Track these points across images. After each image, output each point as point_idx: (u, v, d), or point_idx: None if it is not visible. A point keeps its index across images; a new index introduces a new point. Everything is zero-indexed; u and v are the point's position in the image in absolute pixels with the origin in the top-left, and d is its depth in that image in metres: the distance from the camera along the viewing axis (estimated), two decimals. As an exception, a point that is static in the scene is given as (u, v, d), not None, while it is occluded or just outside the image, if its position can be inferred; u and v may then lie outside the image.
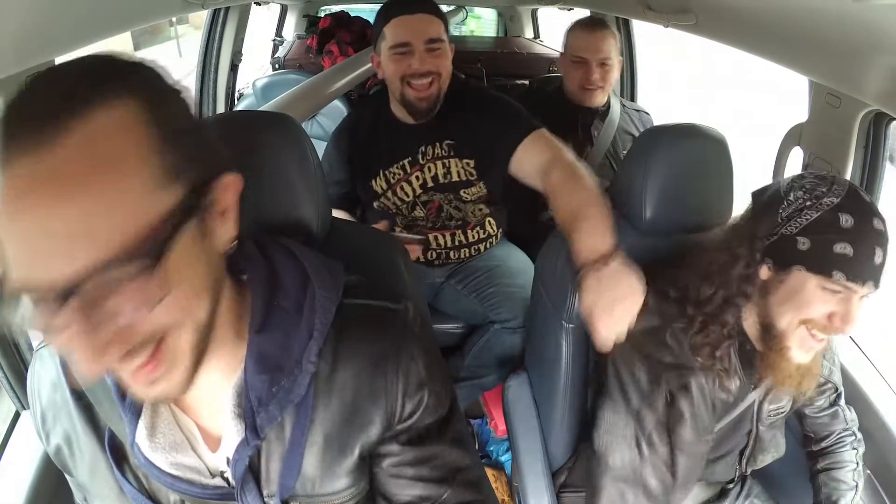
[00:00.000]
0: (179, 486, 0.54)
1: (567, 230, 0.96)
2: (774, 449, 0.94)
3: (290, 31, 2.94)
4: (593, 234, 0.91)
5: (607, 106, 1.70)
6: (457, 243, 1.40)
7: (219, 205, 0.45)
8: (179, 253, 0.40)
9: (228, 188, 0.45)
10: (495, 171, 1.30)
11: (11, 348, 0.96)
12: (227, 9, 2.03)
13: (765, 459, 0.94)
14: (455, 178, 1.33)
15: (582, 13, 2.46)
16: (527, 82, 2.32)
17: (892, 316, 1.96)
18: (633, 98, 2.21)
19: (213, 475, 0.55)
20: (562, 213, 1.01)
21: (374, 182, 1.36)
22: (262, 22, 2.77)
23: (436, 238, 1.39)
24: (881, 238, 0.70)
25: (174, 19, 7.61)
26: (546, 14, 3.21)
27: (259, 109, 1.85)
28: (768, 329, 0.77)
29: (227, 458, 0.53)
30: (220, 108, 2.13)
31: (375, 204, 1.38)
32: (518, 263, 1.43)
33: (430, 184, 1.34)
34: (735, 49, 1.16)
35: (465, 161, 1.33)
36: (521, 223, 1.54)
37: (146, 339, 0.41)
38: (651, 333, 0.82)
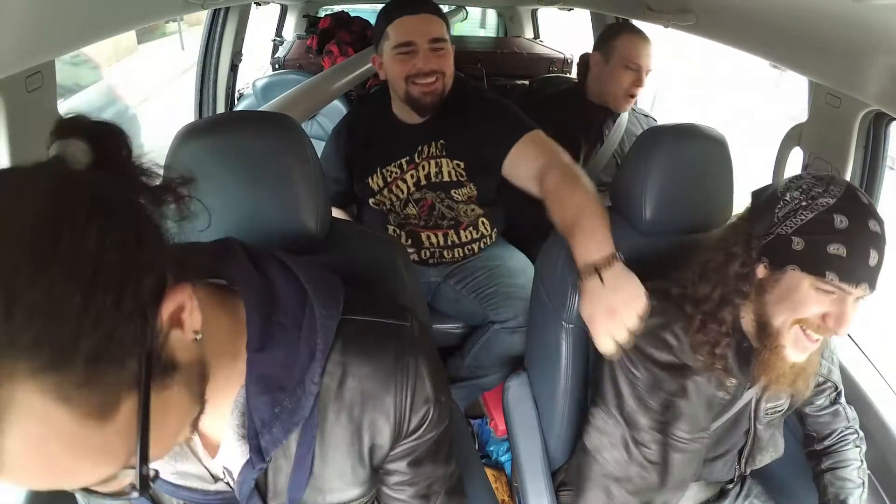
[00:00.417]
0: (182, 493, 0.54)
1: (566, 235, 0.95)
2: (773, 449, 0.95)
3: (290, 32, 2.94)
4: (592, 239, 0.91)
5: None
6: (449, 243, 1.40)
7: (172, 323, 0.40)
8: (155, 416, 0.38)
9: (176, 298, 0.40)
10: (486, 174, 1.30)
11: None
12: (227, 9, 2.03)
13: (763, 459, 0.94)
14: (446, 178, 1.34)
15: (582, 13, 2.47)
16: (527, 82, 2.32)
17: (892, 316, 1.96)
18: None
19: (215, 480, 0.55)
20: (560, 218, 1.00)
21: (370, 179, 1.36)
22: (262, 22, 2.77)
23: (428, 237, 1.39)
24: (876, 240, 0.69)
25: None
26: (546, 14, 3.21)
27: (259, 109, 1.85)
28: (763, 327, 0.77)
29: (224, 468, 0.53)
30: (220, 109, 2.13)
31: (371, 201, 1.39)
32: (518, 263, 1.43)
33: (423, 182, 1.34)
34: (735, 49, 1.16)
35: (455, 162, 1.33)
36: (521, 223, 1.55)
37: None
38: (651, 333, 0.82)
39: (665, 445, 0.84)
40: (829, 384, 0.95)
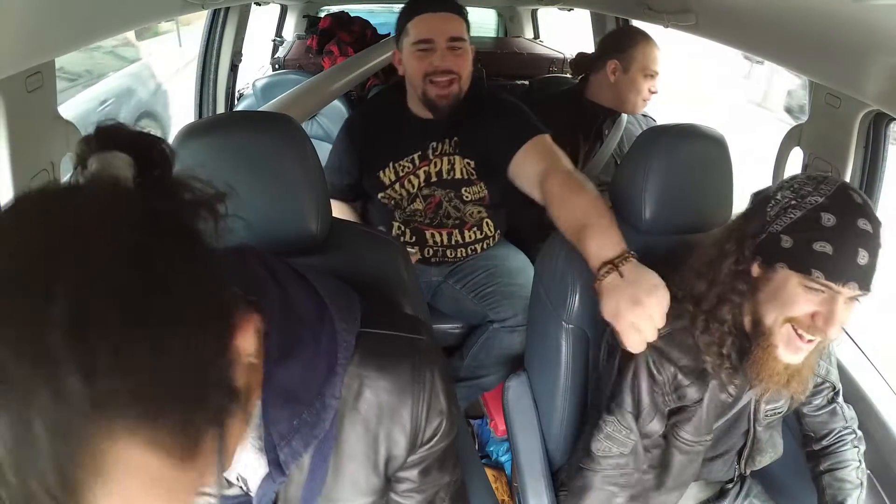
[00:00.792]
0: (199, 499, 0.54)
1: (575, 238, 0.92)
2: (772, 450, 0.95)
3: (289, 32, 2.94)
4: (605, 237, 0.88)
5: None
6: (453, 242, 1.41)
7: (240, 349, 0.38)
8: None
9: (248, 327, 0.39)
10: (495, 174, 1.30)
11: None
12: (227, 9, 2.03)
13: (763, 460, 0.94)
14: (458, 176, 1.34)
15: (582, 13, 2.47)
16: (527, 83, 2.32)
17: (893, 316, 1.96)
18: None
19: (230, 484, 0.55)
20: (566, 220, 0.97)
21: (382, 173, 1.36)
22: (261, 22, 2.77)
23: (433, 235, 1.40)
24: (866, 239, 0.68)
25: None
26: (547, 14, 3.21)
27: (259, 110, 1.85)
28: (757, 326, 0.78)
29: (239, 476, 0.54)
30: (220, 109, 2.13)
31: (381, 195, 1.39)
32: (517, 263, 1.43)
33: (434, 178, 1.35)
34: (735, 49, 1.16)
35: (466, 160, 1.34)
36: (521, 223, 1.55)
37: None
38: (671, 335, 0.81)
39: (668, 447, 0.84)
40: (827, 384, 0.95)
